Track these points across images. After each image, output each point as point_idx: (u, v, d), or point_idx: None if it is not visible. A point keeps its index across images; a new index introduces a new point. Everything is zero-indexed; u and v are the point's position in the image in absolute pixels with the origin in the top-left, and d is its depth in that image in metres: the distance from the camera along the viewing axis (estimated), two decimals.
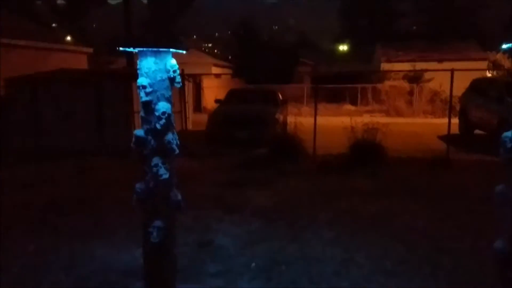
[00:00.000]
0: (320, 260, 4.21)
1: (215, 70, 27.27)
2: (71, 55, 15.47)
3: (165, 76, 2.95)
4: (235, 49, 40.98)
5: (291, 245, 4.54)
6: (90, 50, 17.27)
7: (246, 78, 27.15)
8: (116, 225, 5.04)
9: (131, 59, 17.62)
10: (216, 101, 12.40)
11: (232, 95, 12.46)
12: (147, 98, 2.91)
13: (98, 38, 39.88)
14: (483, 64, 19.87)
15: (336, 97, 21.85)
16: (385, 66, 23.80)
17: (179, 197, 3.23)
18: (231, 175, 7.44)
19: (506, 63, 20.52)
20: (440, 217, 5.40)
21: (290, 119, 10.11)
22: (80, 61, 15.75)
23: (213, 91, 21.50)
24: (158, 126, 2.89)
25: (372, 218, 5.36)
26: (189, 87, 13.90)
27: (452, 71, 8.88)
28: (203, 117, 12.07)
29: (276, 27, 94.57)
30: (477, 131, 11.17)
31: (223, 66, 31.51)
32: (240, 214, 5.47)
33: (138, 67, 2.94)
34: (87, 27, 42.89)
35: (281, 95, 12.61)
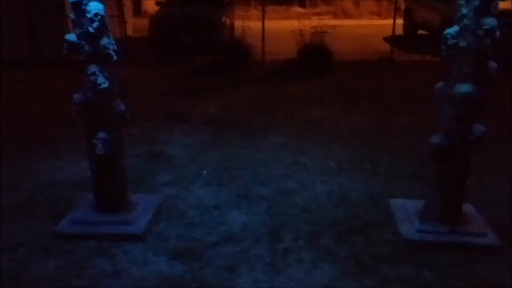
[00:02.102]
0: (269, 164, 4.35)
1: None
2: None
3: None
4: None
5: (241, 152, 4.62)
6: None
7: None
8: (60, 139, 4.86)
9: None
10: (157, 3, 11.51)
11: None
12: None
13: None
14: None
15: None
16: None
17: (123, 107, 3.10)
18: (178, 84, 7.21)
19: None
20: (382, 118, 5.65)
21: (238, 23, 9.68)
22: None
23: None
24: (91, 29, 2.65)
25: (318, 122, 5.51)
26: None
27: None
28: (145, 22, 11.25)
29: None
30: (420, 32, 11.33)
31: None
32: (189, 124, 5.41)
33: None
34: None
35: None
